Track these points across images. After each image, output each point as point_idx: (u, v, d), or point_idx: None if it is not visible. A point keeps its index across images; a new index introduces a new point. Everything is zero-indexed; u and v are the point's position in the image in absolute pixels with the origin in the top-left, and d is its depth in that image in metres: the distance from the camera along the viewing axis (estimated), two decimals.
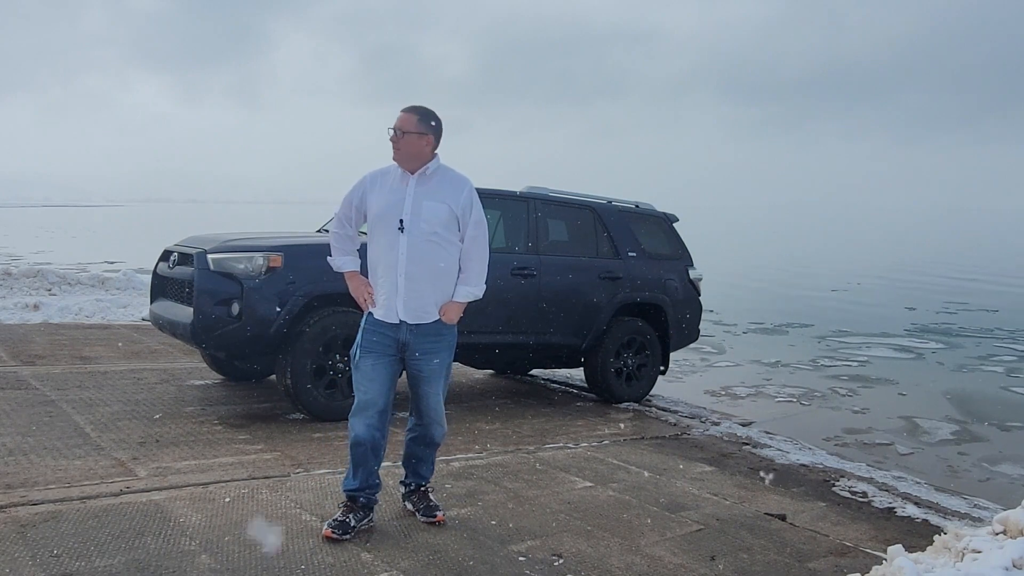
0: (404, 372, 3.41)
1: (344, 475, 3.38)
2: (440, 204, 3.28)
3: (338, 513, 3.29)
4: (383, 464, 3.47)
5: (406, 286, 3.24)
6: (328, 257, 3.48)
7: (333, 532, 3.20)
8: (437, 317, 3.31)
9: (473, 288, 3.38)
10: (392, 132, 3.26)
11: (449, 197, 3.31)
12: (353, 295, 3.41)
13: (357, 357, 3.31)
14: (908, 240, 56.39)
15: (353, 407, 3.31)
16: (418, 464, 3.54)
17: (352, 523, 3.25)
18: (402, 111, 3.32)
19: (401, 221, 3.22)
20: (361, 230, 3.46)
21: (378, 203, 3.29)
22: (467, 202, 3.35)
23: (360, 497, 3.32)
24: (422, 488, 3.56)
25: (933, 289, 20.23)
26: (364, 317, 3.36)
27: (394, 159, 3.30)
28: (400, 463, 3.63)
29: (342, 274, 3.45)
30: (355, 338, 3.39)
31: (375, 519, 3.39)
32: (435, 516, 3.47)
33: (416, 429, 3.48)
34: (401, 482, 3.62)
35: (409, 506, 3.56)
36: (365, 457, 3.30)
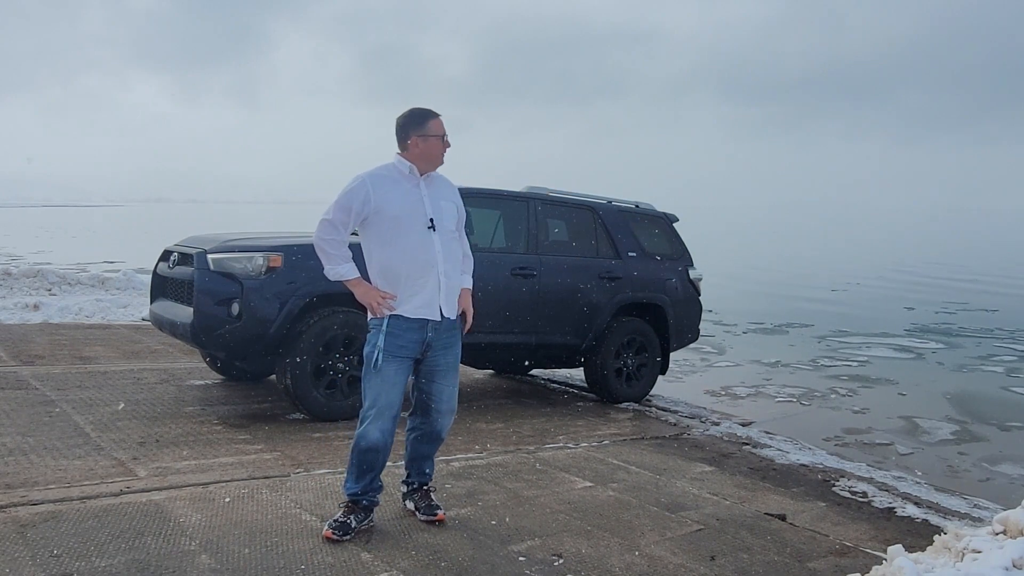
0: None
1: (345, 478, 3.36)
2: (451, 203, 3.43)
3: (339, 514, 3.29)
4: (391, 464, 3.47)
5: (446, 283, 3.32)
6: (327, 267, 3.32)
7: (333, 533, 3.20)
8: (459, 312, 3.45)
9: (471, 277, 3.57)
10: (447, 139, 3.37)
11: (452, 196, 3.46)
12: (362, 301, 3.31)
13: (379, 362, 3.24)
14: (908, 240, 56.39)
15: (370, 413, 3.25)
16: (424, 463, 3.54)
17: (353, 524, 3.26)
18: (439, 117, 3.36)
19: (431, 220, 3.29)
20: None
21: (397, 204, 3.26)
22: (460, 200, 3.52)
23: (363, 500, 3.33)
24: (425, 487, 3.56)
25: (932, 289, 20.23)
26: (384, 321, 3.27)
27: (427, 166, 3.35)
28: (401, 464, 3.62)
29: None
30: (358, 339, 3.38)
31: (375, 519, 3.39)
32: (436, 514, 3.47)
33: (421, 427, 3.47)
34: (404, 482, 3.61)
35: (410, 505, 3.56)
36: (376, 462, 3.31)
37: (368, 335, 3.36)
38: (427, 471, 3.56)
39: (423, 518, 3.47)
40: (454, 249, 3.40)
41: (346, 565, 2.98)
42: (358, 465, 3.29)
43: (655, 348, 6.83)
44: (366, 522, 3.33)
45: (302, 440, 4.70)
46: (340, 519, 3.26)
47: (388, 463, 3.60)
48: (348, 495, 3.31)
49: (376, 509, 3.43)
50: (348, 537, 3.22)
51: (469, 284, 3.53)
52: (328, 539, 3.18)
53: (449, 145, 3.37)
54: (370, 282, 3.34)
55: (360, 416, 3.30)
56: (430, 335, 3.32)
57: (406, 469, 3.59)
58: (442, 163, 3.40)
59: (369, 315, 3.37)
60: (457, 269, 3.42)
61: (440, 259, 3.30)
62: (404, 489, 3.60)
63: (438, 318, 3.31)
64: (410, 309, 3.27)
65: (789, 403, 7.84)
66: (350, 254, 3.33)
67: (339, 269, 3.30)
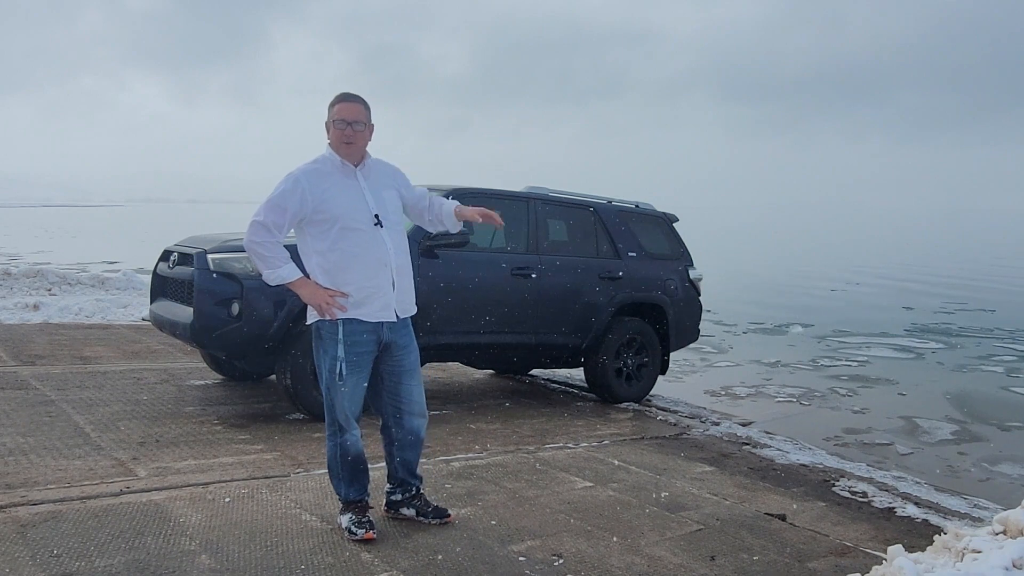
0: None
1: (337, 487, 3.30)
2: (393, 191, 3.29)
3: (357, 517, 3.24)
4: (378, 466, 3.47)
5: (399, 281, 3.22)
6: (265, 271, 3.13)
7: (372, 533, 3.21)
8: (415, 308, 3.35)
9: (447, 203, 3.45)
10: (347, 126, 3.11)
11: (393, 182, 3.32)
12: (310, 302, 3.13)
13: (343, 374, 3.12)
14: (907, 240, 56.39)
15: (342, 426, 3.20)
16: (413, 467, 3.44)
17: (372, 518, 3.28)
18: (346, 102, 3.14)
19: (376, 216, 3.15)
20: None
21: (337, 202, 3.10)
22: (404, 180, 3.39)
23: (367, 496, 3.34)
24: (422, 491, 3.50)
25: (931, 289, 20.24)
26: (339, 328, 3.12)
27: (343, 153, 3.14)
28: (388, 474, 3.52)
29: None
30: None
31: (374, 519, 3.40)
32: (447, 516, 3.46)
33: (398, 436, 3.35)
34: (397, 489, 3.46)
35: (410, 512, 3.44)
36: (363, 468, 3.30)
37: (319, 341, 3.19)
38: (419, 474, 3.48)
39: (434, 521, 3.43)
40: (403, 243, 3.27)
41: (346, 565, 2.98)
42: (351, 472, 3.26)
43: (655, 348, 6.83)
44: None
45: (302, 440, 4.70)
46: (365, 519, 3.24)
47: (383, 464, 3.59)
48: (355, 499, 3.29)
49: (376, 509, 3.43)
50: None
51: (453, 204, 3.41)
52: (371, 540, 3.18)
53: (354, 132, 3.11)
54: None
55: (333, 426, 3.21)
56: (387, 336, 3.23)
57: (393, 481, 3.45)
58: (352, 149, 3.14)
59: (311, 317, 3.20)
60: (408, 264, 3.28)
61: (392, 257, 3.18)
62: (398, 497, 3.45)
63: (394, 319, 3.22)
64: (366, 312, 3.13)
65: (789, 403, 7.84)
66: (287, 254, 3.13)
67: (278, 272, 3.11)
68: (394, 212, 3.26)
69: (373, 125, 3.22)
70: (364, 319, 3.15)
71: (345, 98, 3.15)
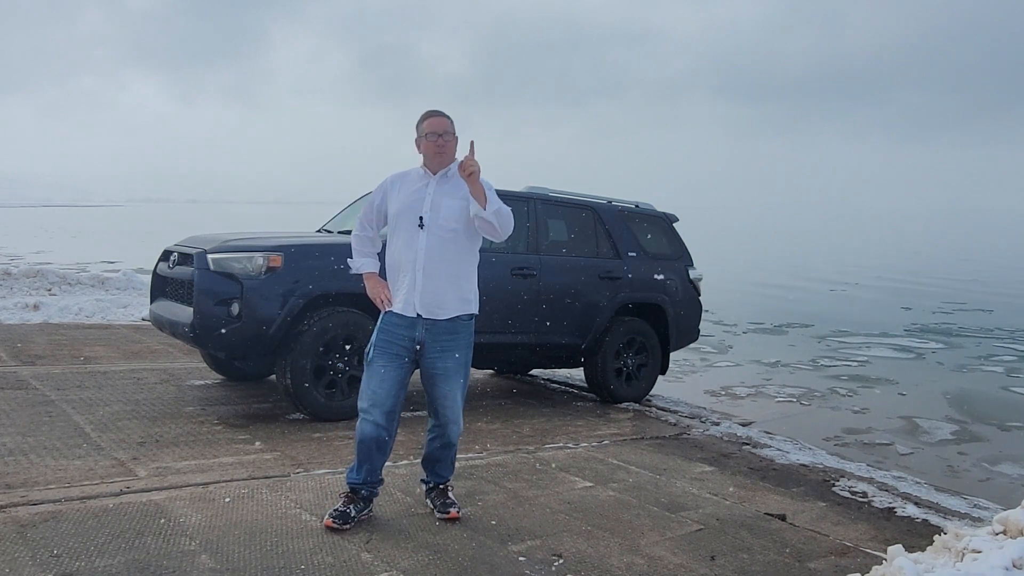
0: (419, 372, 3.45)
1: (349, 467, 3.44)
2: (459, 200, 3.35)
3: (339, 504, 3.35)
4: (385, 464, 3.48)
5: (423, 281, 3.31)
6: (348, 259, 3.58)
7: (334, 522, 3.26)
8: (453, 315, 3.37)
9: (493, 202, 3.26)
10: (437, 137, 3.35)
11: (466, 194, 3.34)
12: (370, 295, 3.46)
13: (371, 356, 3.36)
14: (907, 241, 56.39)
15: (363, 406, 3.35)
16: (436, 464, 3.58)
17: (352, 513, 3.32)
18: (434, 117, 3.40)
19: (421, 218, 3.32)
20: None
21: (399, 202, 3.38)
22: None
23: (362, 490, 3.38)
24: (441, 486, 3.60)
25: (930, 289, 20.25)
26: (380, 317, 3.41)
27: (430, 165, 3.39)
28: (402, 463, 3.64)
29: (345, 274, 3.58)
30: (358, 339, 3.43)
31: (375, 519, 3.40)
32: (448, 512, 3.50)
33: (435, 430, 3.51)
34: (421, 480, 3.67)
35: (428, 503, 3.61)
36: (370, 454, 3.36)
37: None
38: (441, 473, 3.60)
39: (438, 515, 3.52)
40: (447, 249, 3.33)
41: (346, 565, 2.98)
42: (358, 455, 3.37)
43: (655, 348, 6.83)
44: (365, 512, 3.38)
45: (302, 440, 4.70)
46: (340, 508, 3.32)
47: (389, 463, 3.60)
48: (349, 483, 3.39)
49: (376, 508, 3.45)
50: (348, 526, 3.28)
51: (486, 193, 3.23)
52: (329, 528, 3.24)
53: (444, 142, 3.35)
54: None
55: (360, 406, 3.40)
56: (422, 335, 3.33)
57: (423, 468, 3.64)
58: (443, 159, 3.38)
59: None
60: (446, 271, 3.34)
61: (421, 256, 3.30)
62: (423, 488, 3.66)
63: (412, 315, 3.33)
64: (396, 306, 3.38)
65: (789, 403, 7.84)
66: (374, 250, 3.54)
67: (357, 262, 3.52)
68: (447, 219, 3.33)
69: (458, 137, 3.43)
70: (395, 311, 3.37)
71: (433, 114, 3.41)
